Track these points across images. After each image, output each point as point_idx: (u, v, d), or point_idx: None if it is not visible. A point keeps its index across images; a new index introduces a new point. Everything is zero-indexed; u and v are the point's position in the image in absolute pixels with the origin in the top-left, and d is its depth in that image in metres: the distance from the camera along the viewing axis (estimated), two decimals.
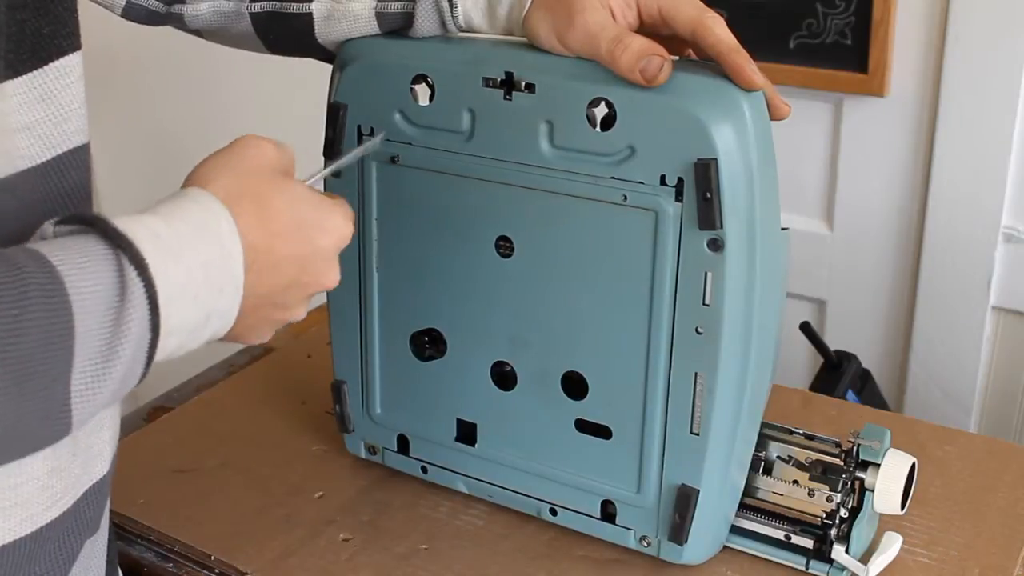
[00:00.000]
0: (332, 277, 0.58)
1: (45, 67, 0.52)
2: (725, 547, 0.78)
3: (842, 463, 0.75)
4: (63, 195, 0.55)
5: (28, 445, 0.47)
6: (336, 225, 0.58)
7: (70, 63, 0.53)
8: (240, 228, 0.52)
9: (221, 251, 0.51)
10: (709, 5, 0.68)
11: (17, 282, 0.43)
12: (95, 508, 0.60)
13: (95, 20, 0.83)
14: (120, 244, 0.47)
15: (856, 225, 1.47)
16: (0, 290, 0.42)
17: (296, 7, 0.74)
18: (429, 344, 0.81)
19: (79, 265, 0.45)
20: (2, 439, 0.44)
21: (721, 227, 0.66)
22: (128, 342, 0.46)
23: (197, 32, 0.79)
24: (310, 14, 0.74)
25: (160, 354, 0.49)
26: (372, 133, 0.76)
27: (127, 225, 0.47)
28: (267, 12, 0.75)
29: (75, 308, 0.45)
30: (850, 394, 1.34)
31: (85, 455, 0.58)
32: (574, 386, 0.76)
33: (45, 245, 0.46)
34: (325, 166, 0.67)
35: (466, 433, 0.81)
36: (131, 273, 0.46)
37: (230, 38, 0.78)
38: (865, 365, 1.39)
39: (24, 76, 0.51)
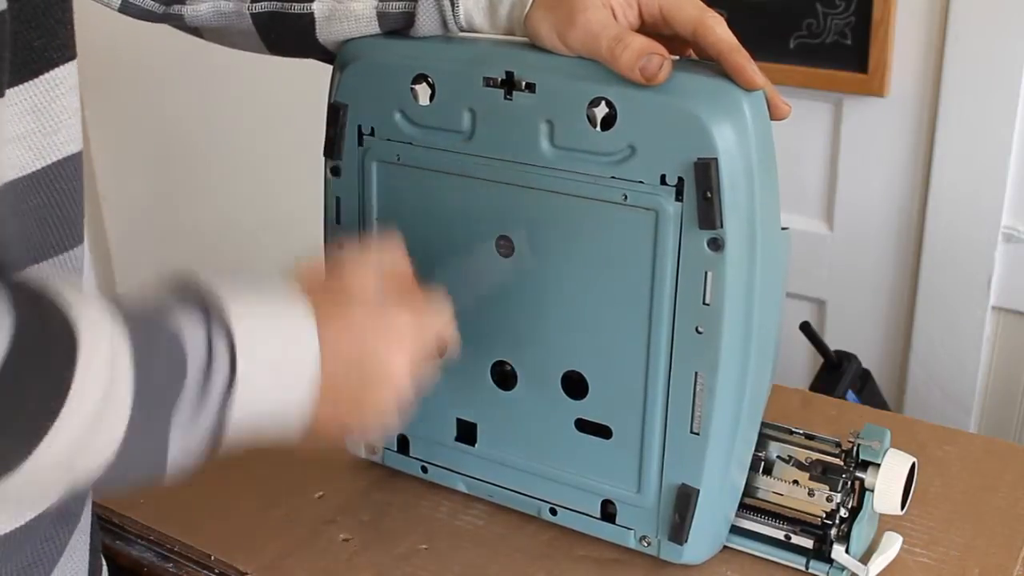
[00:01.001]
0: (387, 422, 0.62)
1: (36, 79, 0.52)
2: (725, 547, 0.78)
3: (842, 463, 0.75)
4: (54, 204, 0.55)
5: (133, 475, 0.50)
6: (393, 383, 0.61)
7: (62, 74, 0.53)
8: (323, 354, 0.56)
9: (297, 351, 0.55)
10: (710, 5, 0.68)
11: (147, 330, 0.49)
12: (78, 502, 0.61)
13: (96, 20, 0.83)
14: (214, 314, 0.52)
15: (856, 225, 1.47)
16: (134, 336, 0.48)
17: (297, 7, 0.74)
18: None
19: (191, 323, 0.50)
20: (116, 464, 0.47)
21: (721, 227, 0.66)
22: (214, 391, 0.51)
23: (196, 31, 0.79)
24: (311, 14, 0.74)
25: (235, 419, 0.53)
26: (372, 133, 0.76)
27: (224, 299, 0.53)
28: (268, 12, 0.75)
29: (188, 357, 0.50)
30: (850, 394, 1.34)
31: None
32: (574, 386, 0.76)
33: (161, 300, 0.52)
34: (325, 164, 0.68)
35: (466, 433, 0.81)
36: (219, 336, 0.51)
37: (229, 38, 0.78)
38: (865, 365, 1.39)
39: (14, 88, 0.51)
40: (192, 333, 0.50)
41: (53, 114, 0.53)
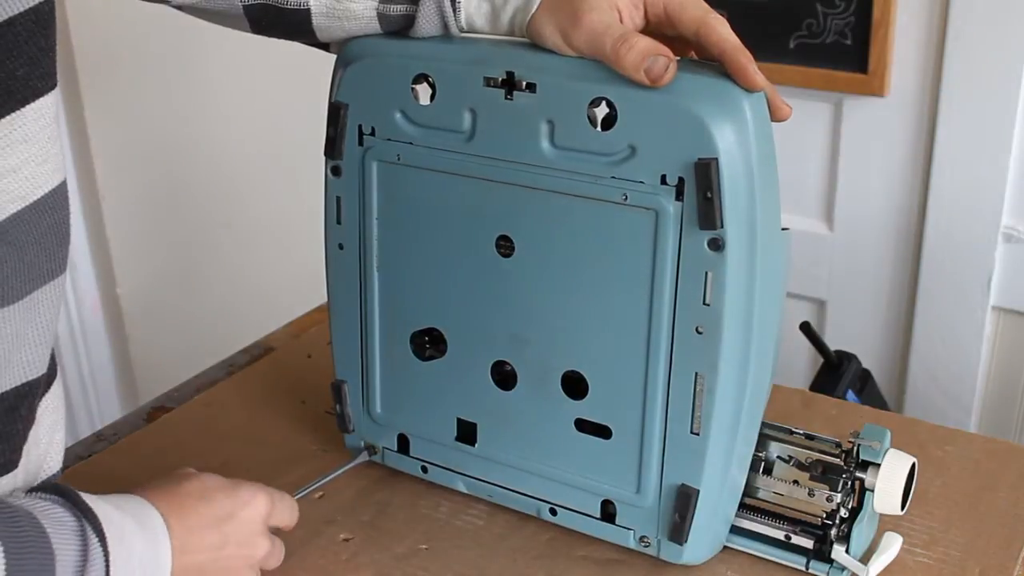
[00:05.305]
0: (260, 552, 0.70)
1: (23, 109, 0.52)
2: (725, 547, 0.78)
3: (842, 463, 0.75)
4: (47, 234, 0.56)
5: None
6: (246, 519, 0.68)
7: (46, 104, 0.54)
8: (170, 528, 0.64)
9: (155, 547, 0.62)
10: (711, 5, 0.69)
11: (20, 535, 0.53)
12: None
13: (97, 19, 0.83)
14: (87, 516, 0.57)
15: (856, 225, 1.47)
16: (8, 540, 0.52)
17: (293, 1, 0.74)
18: (429, 344, 0.81)
19: (60, 533, 0.55)
20: None
21: (722, 227, 0.66)
22: None
23: (179, 6, 0.78)
24: (308, 9, 0.74)
25: None
26: (373, 132, 0.76)
27: (93, 502, 0.58)
28: (261, 3, 0.74)
29: (57, 565, 0.54)
30: (850, 394, 1.34)
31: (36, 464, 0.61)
32: (574, 386, 0.76)
33: (35, 508, 0.56)
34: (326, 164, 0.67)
35: (466, 433, 0.81)
36: (93, 541, 0.57)
37: (215, 18, 0.78)
38: (865, 365, 1.39)
39: (5, 118, 0.51)
40: (67, 535, 0.55)
41: (42, 143, 0.54)
